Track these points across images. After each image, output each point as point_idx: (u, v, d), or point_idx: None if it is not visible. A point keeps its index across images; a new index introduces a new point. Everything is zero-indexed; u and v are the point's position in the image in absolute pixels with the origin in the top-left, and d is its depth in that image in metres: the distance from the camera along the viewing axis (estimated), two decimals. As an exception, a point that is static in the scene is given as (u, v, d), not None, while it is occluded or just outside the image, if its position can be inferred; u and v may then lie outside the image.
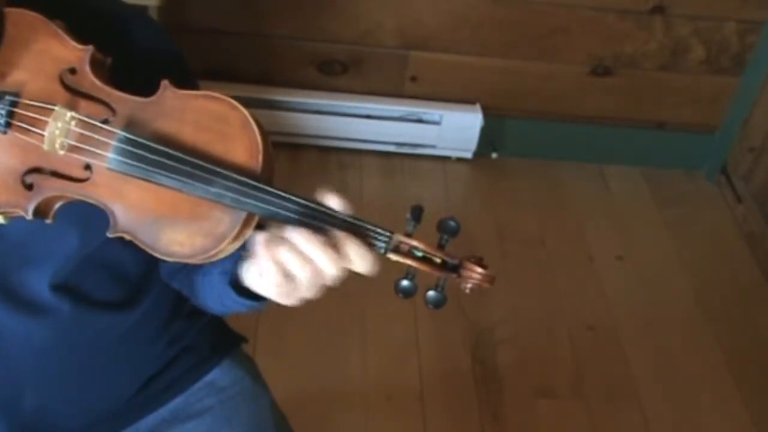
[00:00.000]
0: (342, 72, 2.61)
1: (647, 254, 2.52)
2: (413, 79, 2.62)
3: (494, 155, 2.74)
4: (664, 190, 2.75)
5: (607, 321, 2.28)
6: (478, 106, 2.64)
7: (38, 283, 0.99)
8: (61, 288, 1.00)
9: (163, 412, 1.16)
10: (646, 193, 2.73)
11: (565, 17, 2.51)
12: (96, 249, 1.00)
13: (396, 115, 2.62)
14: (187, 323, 1.17)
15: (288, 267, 0.82)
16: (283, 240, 0.81)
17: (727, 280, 2.46)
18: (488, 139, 2.68)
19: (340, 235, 0.82)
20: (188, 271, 1.04)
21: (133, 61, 0.89)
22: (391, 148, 2.68)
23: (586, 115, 2.72)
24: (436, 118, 2.62)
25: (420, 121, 2.63)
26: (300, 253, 0.81)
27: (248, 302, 0.93)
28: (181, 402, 1.16)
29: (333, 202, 0.83)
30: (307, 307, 2.42)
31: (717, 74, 2.64)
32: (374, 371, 2.07)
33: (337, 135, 2.63)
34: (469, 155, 2.71)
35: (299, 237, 0.81)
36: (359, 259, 0.82)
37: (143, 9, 2.04)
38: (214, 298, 1.00)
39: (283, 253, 0.81)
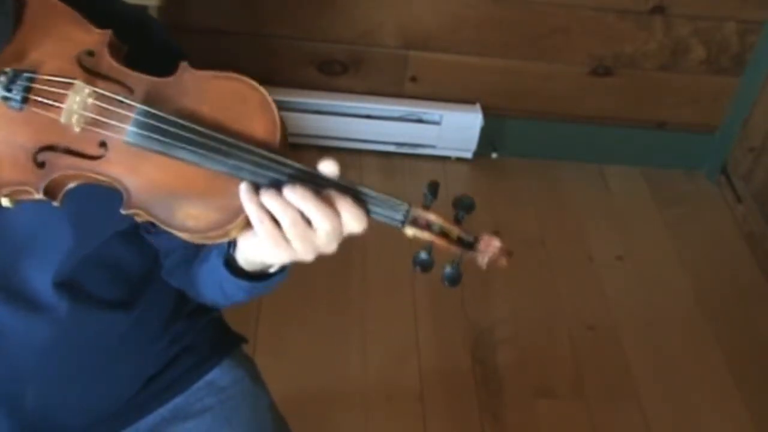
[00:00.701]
0: (342, 72, 2.61)
1: (647, 254, 2.52)
2: (413, 79, 2.62)
3: (494, 155, 2.74)
4: (664, 190, 2.75)
5: (607, 321, 2.28)
6: (478, 106, 2.64)
7: (41, 281, 0.99)
8: (63, 286, 1.01)
9: (164, 411, 1.16)
10: (646, 193, 2.73)
11: (565, 17, 2.51)
12: (98, 248, 1.00)
13: (396, 115, 2.62)
14: (187, 323, 1.17)
15: (270, 209, 0.81)
16: (267, 187, 0.81)
17: (727, 280, 2.46)
18: (488, 139, 2.68)
19: (333, 192, 0.81)
20: (187, 264, 1.04)
21: (146, 56, 0.90)
22: (391, 148, 2.68)
23: (586, 115, 2.72)
24: (436, 118, 2.62)
25: (420, 121, 2.63)
26: (282, 198, 0.81)
27: (244, 283, 0.93)
28: (182, 401, 1.16)
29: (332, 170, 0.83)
30: (307, 307, 2.42)
31: (717, 74, 2.64)
32: (374, 371, 2.07)
33: (337, 135, 2.63)
34: (469, 155, 2.71)
35: (287, 187, 0.81)
36: (350, 217, 0.81)
37: (144, 9, 2.04)
38: (214, 285, 0.99)
39: (266, 198, 0.81)
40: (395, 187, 2.59)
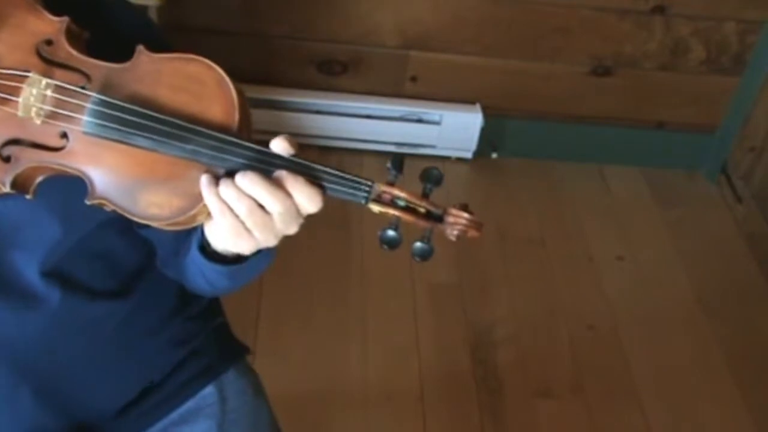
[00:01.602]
0: (342, 72, 2.61)
1: (647, 254, 2.52)
2: (413, 79, 2.62)
3: (494, 155, 2.74)
4: (664, 190, 2.75)
5: (607, 321, 2.28)
6: (478, 106, 2.64)
7: (28, 270, 0.99)
8: (51, 275, 1.00)
9: (170, 416, 1.15)
10: (646, 193, 2.73)
11: (565, 17, 2.51)
12: (88, 238, 0.99)
13: (396, 115, 2.62)
14: (193, 326, 1.17)
15: (226, 200, 0.81)
16: (224, 178, 0.82)
17: (727, 280, 2.46)
18: (488, 139, 2.68)
19: (284, 173, 0.81)
20: (175, 255, 1.03)
21: (110, 37, 0.89)
22: (391, 148, 2.68)
23: (586, 115, 2.72)
24: (436, 118, 2.62)
25: (420, 121, 2.63)
26: (236, 187, 0.81)
27: (222, 267, 0.93)
28: (186, 408, 1.16)
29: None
30: (307, 307, 2.42)
31: (717, 74, 2.64)
32: (374, 371, 2.07)
33: (338, 135, 2.63)
34: (469, 155, 2.71)
35: (238, 174, 0.81)
36: (303, 197, 0.82)
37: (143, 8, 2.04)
38: (197, 274, 0.99)
39: (222, 189, 0.81)
40: (395, 187, 2.59)
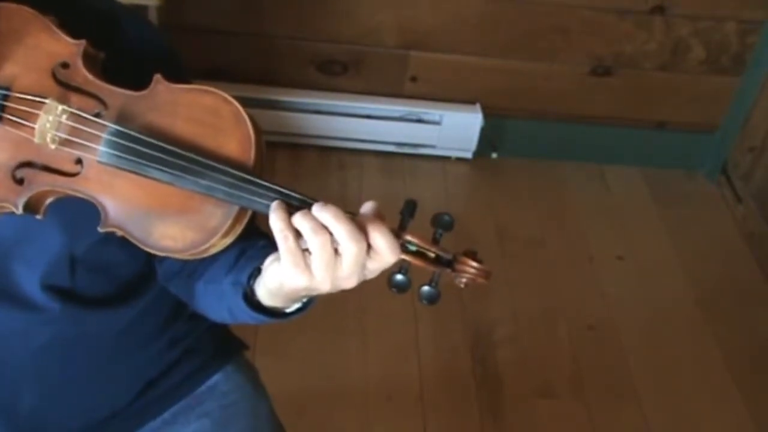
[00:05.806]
0: (342, 72, 2.61)
1: (647, 254, 2.52)
2: (413, 79, 2.62)
3: (494, 155, 2.74)
4: (664, 190, 2.75)
5: (607, 321, 2.28)
6: (478, 106, 2.64)
7: (29, 282, 0.98)
8: (52, 288, 0.99)
9: (165, 414, 1.15)
10: (646, 193, 2.73)
11: (565, 17, 2.51)
12: (92, 251, 0.99)
13: (396, 115, 2.62)
14: (188, 326, 1.16)
15: (302, 231, 0.78)
16: (299, 207, 0.79)
17: (727, 280, 2.46)
18: (488, 139, 2.68)
19: (365, 218, 0.78)
20: (187, 275, 1.03)
21: (125, 58, 0.89)
22: (391, 148, 2.68)
23: (586, 115, 2.72)
24: (436, 118, 2.62)
25: (420, 121, 2.63)
26: (314, 219, 0.78)
27: (261, 317, 0.92)
28: (182, 404, 1.16)
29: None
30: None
31: (717, 74, 2.64)
32: (374, 371, 2.07)
33: (337, 135, 2.63)
34: (469, 155, 2.71)
35: (317, 206, 0.78)
36: (384, 244, 0.78)
37: (137, 7, 2.04)
38: (221, 308, 0.98)
39: (298, 219, 0.78)
40: (395, 187, 2.59)
